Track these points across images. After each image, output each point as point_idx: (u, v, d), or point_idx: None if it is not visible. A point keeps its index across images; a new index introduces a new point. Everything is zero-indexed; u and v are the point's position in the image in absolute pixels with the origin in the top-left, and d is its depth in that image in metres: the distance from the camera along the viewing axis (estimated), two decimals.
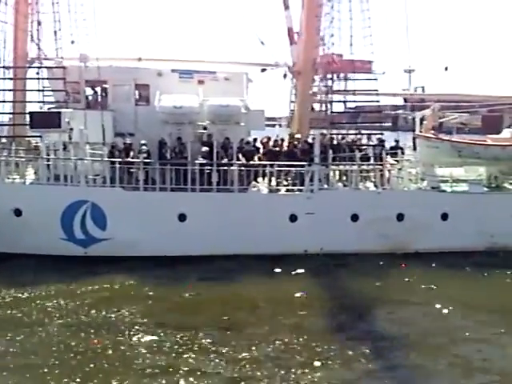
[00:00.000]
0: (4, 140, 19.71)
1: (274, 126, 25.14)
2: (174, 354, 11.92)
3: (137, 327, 13.12)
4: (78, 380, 10.81)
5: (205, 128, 18.63)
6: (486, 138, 20.71)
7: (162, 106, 18.38)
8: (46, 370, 11.18)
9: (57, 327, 13.06)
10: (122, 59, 19.73)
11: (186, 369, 11.27)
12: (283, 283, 16.25)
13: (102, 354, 11.90)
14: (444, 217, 18.82)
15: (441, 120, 20.15)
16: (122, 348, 12.16)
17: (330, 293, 15.85)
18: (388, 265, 17.62)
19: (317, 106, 21.42)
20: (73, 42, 19.98)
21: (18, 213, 17.46)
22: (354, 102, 21.30)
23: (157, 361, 11.63)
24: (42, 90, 19.22)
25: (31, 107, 19.61)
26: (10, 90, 19.05)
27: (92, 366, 11.33)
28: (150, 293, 15.25)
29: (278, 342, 12.51)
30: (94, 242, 17.70)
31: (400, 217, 18.57)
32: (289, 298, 15.20)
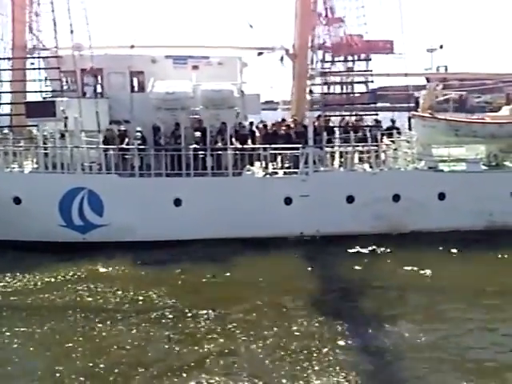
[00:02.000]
0: (6, 130, 20.10)
1: (275, 109, 25.13)
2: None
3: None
4: None
5: (196, 113, 18.70)
6: (485, 116, 20.45)
7: (155, 93, 18.51)
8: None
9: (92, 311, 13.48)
10: (115, 47, 19.89)
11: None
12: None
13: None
14: (441, 196, 18.69)
15: (438, 99, 19.91)
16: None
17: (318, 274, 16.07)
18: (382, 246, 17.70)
19: (321, 89, 21.07)
20: (72, 32, 20.23)
21: (17, 201, 17.83)
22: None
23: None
24: (40, 80, 19.55)
25: (33, 97, 20.01)
26: (8, 81, 19.37)
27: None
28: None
29: None
30: (92, 227, 18.01)
31: (396, 197, 18.50)
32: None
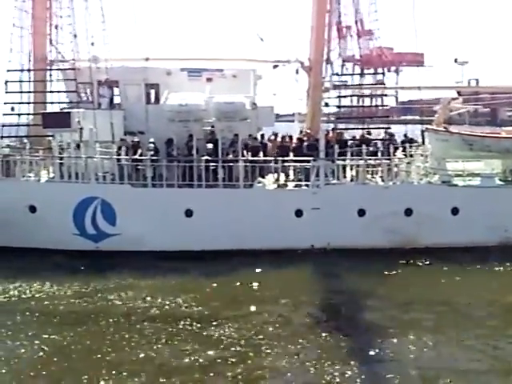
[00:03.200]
0: (25, 140, 20.59)
1: (292, 121, 25.22)
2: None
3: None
4: None
5: (212, 126, 18.92)
6: (501, 130, 20.20)
7: (169, 105, 18.79)
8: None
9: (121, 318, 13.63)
10: (130, 59, 20.27)
11: None
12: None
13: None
14: (454, 211, 18.49)
15: (452, 113, 19.76)
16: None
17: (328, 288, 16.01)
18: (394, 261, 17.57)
19: (335, 102, 21.09)
20: (93, 44, 20.71)
21: (32, 209, 18.23)
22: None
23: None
24: (58, 92, 20.04)
25: (51, 108, 20.51)
26: (27, 92, 19.85)
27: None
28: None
29: None
30: (105, 237, 18.28)
31: (408, 211, 18.35)
32: None
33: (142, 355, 11.80)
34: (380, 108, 21.77)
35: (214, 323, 13.24)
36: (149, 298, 14.83)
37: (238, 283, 15.92)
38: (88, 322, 13.46)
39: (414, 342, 12.31)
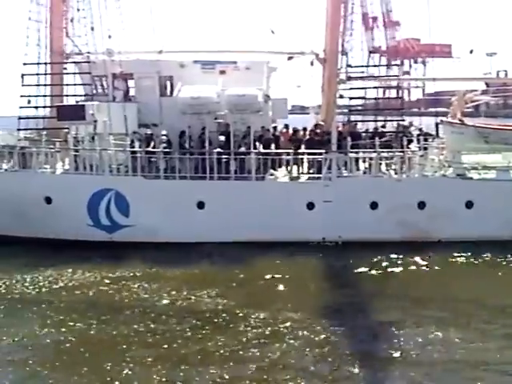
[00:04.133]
0: (45, 132, 20.91)
1: (307, 113, 25.13)
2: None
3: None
4: None
5: (221, 117, 18.95)
6: None
7: (181, 97, 18.89)
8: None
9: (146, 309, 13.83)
10: (144, 52, 20.39)
11: None
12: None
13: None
14: (469, 205, 18.28)
15: (467, 105, 19.46)
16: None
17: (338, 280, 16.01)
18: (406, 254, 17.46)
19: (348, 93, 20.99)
20: (110, 37, 20.88)
21: (48, 200, 18.55)
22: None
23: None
24: (74, 85, 20.30)
25: (70, 100, 20.79)
26: (44, 85, 20.15)
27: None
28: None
29: None
30: (119, 228, 18.53)
31: (421, 205, 18.19)
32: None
33: (165, 346, 11.91)
34: (398, 100, 21.41)
35: (232, 317, 13.26)
36: (172, 290, 14.90)
37: (251, 275, 15.96)
38: (113, 312, 13.65)
39: (425, 335, 12.24)
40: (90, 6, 20.57)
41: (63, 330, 12.74)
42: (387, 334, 12.43)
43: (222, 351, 11.70)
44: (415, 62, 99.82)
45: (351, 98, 19.62)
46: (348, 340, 12.34)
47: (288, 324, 12.96)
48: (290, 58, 21.59)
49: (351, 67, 19.87)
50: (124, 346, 11.99)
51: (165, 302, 14.36)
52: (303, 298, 14.54)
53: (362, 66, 20.27)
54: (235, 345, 11.95)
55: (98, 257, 17.10)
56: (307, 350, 11.78)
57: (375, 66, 19.87)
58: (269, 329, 12.69)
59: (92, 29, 20.33)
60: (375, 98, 19.97)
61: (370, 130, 19.88)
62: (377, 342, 12.22)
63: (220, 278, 15.80)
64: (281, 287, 15.31)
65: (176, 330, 12.78)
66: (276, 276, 15.81)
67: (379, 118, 20.61)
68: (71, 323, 13.06)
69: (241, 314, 13.42)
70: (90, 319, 13.24)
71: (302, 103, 21.26)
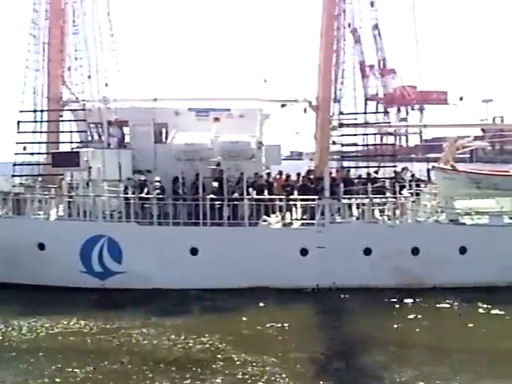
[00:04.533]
0: (39, 178, 21.04)
1: (301, 159, 25.37)
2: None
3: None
4: None
5: (218, 164, 19.17)
6: (509, 168, 20.03)
7: (175, 144, 19.12)
8: None
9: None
10: (139, 100, 20.74)
11: None
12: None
13: None
14: (462, 250, 18.25)
15: (459, 151, 19.68)
16: None
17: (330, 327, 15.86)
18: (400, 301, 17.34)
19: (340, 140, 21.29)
20: (107, 85, 21.29)
21: (41, 247, 18.48)
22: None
23: None
24: (70, 132, 20.56)
25: (66, 147, 21.00)
26: (40, 132, 20.40)
27: None
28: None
29: None
30: (111, 274, 18.43)
31: (415, 251, 18.18)
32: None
33: None
34: (390, 147, 21.69)
35: (230, 363, 13.19)
36: (172, 337, 14.75)
37: (244, 320, 15.87)
38: (110, 359, 13.49)
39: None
40: (87, 55, 21.08)
41: (58, 379, 12.50)
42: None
43: None
44: (412, 108, 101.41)
45: (343, 145, 19.88)
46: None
47: (285, 370, 12.78)
48: (283, 106, 21.95)
49: (343, 114, 20.19)
50: None
51: (163, 348, 14.20)
52: (298, 345, 14.31)
53: (354, 114, 20.57)
54: None
55: (92, 304, 16.99)
56: None
57: (365, 113, 20.13)
58: (265, 377, 12.51)
59: (89, 77, 20.77)
60: (367, 145, 20.22)
61: (363, 176, 20.03)
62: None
63: (216, 325, 15.56)
64: (276, 334, 15.07)
65: (176, 378, 12.59)
66: (271, 323, 15.58)
67: (372, 164, 20.81)
68: (69, 371, 12.85)
69: (238, 362, 13.26)
70: (87, 367, 13.01)
71: (300, 149, 21.75)
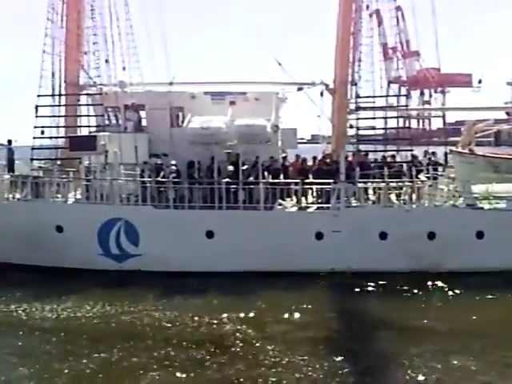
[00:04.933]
0: (59, 162, 21.30)
1: (318, 143, 25.27)
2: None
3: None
4: None
5: (230, 147, 19.17)
6: None
7: (190, 128, 19.18)
8: None
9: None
10: (155, 84, 20.79)
11: None
12: None
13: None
14: (479, 235, 18.10)
15: (477, 135, 19.44)
16: None
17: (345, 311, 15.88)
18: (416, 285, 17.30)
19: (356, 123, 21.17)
20: (124, 69, 21.41)
21: (59, 229, 18.78)
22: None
23: None
24: (88, 116, 20.75)
25: (84, 131, 21.23)
26: (57, 116, 20.60)
27: None
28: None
29: None
30: (128, 257, 18.65)
31: (431, 235, 18.06)
32: None
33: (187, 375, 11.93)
34: (406, 130, 21.37)
35: (249, 347, 13.27)
36: (196, 318, 14.91)
37: (259, 303, 15.95)
38: (135, 341, 13.63)
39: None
40: (104, 39, 21.18)
41: (83, 358, 12.70)
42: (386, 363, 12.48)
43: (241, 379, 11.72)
44: (435, 91, 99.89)
45: (359, 129, 19.72)
46: (352, 368, 12.28)
47: (301, 354, 12.83)
48: (299, 89, 21.78)
49: (360, 97, 20.02)
50: (144, 374, 11.96)
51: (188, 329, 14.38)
52: (315, 329, 14.37)
53: (372, 97, 20.36)
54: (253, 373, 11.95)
55: (114, 286, 17.13)
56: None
57: (383, 96, 19.90)
58: (285, 359, 12.60)
59: (106, 61, 20.88)
60: (384, 128, 20.04)
61: (379, 160, 19.90)
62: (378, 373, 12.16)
63: (234, 307, 15.65)
64: (293, 317, 15.19)
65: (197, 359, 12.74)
66: (286, 307, 15.63)
67: (390, 148, 20.61)
68: (92, 352, 13.01)
69: (257, 344, 13.39)
70: (112, 348, 13.21)
71: (323, 133, 21.75)
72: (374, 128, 20.14)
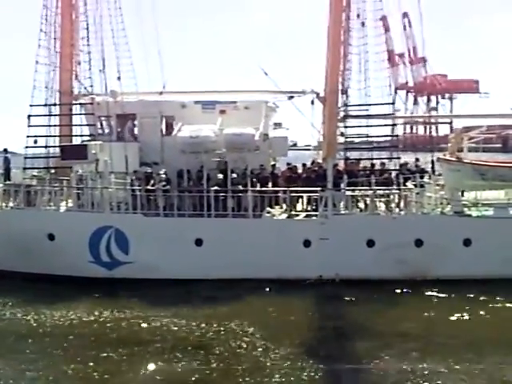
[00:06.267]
0: (53, 171, 21.55)
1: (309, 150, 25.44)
2: None
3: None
4: None
5: (219, 156, 19.38)
6: None
7: (180, 136, 19.42)
8: None
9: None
10: (145, 93, 21.05)
11: None
12: None
13: None
14: (467, 243, 18.18)
15: (464, 142, 19.53)
16: None
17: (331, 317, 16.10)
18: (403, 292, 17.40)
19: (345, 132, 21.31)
20: (119, 78, 21.67)
21: (51, 237, 19.02)
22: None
23: None
24: (80, 125, 21.02)
25: (77, 140, 21.48)
26: (49, 126, 20.81)
27: None
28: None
29: None
30: (118, 264, 18.86)
31: (418, 242, 18.18)
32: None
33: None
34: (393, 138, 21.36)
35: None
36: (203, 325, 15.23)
37: (247, 310, 16.24)
38: (144, 344, 13.98)
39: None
40: (98, 49, 21.43)
41: (90, 363, 12.99)
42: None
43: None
44: (442, 97, 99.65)
45: (347, 137, 19.92)
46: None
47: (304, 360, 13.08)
48: (290, 98, 21.99)
49: (348, 106, 20.20)
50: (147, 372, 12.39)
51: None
52: (300, 334, 14.60)
53: (363, 105, 20.50)
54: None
55: (121, 293, 17.42)
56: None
57: (369, 104, 19.96)
58: (288, 363, 12.89)
59: (100, 71, 21.13)
60: (368, 136, 20.15)
61: (367, 168, 20.02)
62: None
63: (223, 314, 15.97)
64: (280, 323, 15.41)
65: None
66: (275, 313, 16.02)
67: (379, 155, 20.70)
68: (101, 357, 13.31)
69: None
70: (120, 353, 13.50)
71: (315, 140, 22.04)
72: (366, 136, 20.23)
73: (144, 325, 15.39)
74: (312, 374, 12.48)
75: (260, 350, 13.76)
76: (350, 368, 12.89)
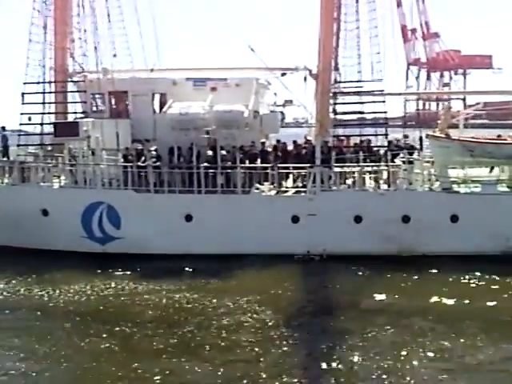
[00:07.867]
0: (49, 148, 21.87)
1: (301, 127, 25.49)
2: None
3: None
4: None
5: (207, 133, 19.53)
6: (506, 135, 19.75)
7: (170, 114, 19.58)
8: None
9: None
10: (136, 70, 21.19)
11: None
12: None
13: None
14: (454, 219, 18.28)
15: (454, 119, 19.47)
16: None
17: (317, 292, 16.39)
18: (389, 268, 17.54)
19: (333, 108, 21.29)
20: (115, 56, 21.84)
21: (45, 213, 19.44)
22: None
23: None
24: (73, 102, 21.27)
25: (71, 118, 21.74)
26: (43, 103, 21.04)
27: None
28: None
29: None
30: (111, 240, 19.24)
31: (405, 218, 18.30)
32: None
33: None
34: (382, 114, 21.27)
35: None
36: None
37: (233, 283, 16.67)
38: (158, 321, 14.18)
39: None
40: (93, 27, 21.53)
41: (105, 335, 13.31)
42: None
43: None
44: (455, 73, 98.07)
45: (336, 113, 19.97)
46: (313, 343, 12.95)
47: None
48: (283, 75, 21.99)
49: (337, 82, 20.22)
50: (165, 355, 12.38)
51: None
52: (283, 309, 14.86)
53: (352, 81, 20.49)
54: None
55: (129, 268, 17.68)
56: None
57: (359, 81, 19.93)
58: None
59: (95, 48, 21.27)
60: (359, 112, 20.16)
61: (355, 144, 20.09)
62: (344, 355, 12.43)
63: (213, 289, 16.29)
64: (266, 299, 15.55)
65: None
66: (263, 288, 16.20)
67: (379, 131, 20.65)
68: (116, 331, 13.57)
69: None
70: (136, 327, 13.75)
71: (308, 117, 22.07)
72: (354, 112, 20.26)
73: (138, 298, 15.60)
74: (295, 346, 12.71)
75: (248, 323, 13.99)
76: (330, 344, 12.91)
